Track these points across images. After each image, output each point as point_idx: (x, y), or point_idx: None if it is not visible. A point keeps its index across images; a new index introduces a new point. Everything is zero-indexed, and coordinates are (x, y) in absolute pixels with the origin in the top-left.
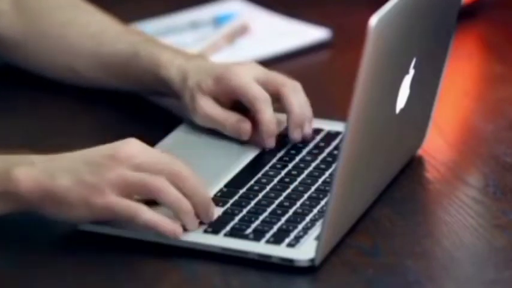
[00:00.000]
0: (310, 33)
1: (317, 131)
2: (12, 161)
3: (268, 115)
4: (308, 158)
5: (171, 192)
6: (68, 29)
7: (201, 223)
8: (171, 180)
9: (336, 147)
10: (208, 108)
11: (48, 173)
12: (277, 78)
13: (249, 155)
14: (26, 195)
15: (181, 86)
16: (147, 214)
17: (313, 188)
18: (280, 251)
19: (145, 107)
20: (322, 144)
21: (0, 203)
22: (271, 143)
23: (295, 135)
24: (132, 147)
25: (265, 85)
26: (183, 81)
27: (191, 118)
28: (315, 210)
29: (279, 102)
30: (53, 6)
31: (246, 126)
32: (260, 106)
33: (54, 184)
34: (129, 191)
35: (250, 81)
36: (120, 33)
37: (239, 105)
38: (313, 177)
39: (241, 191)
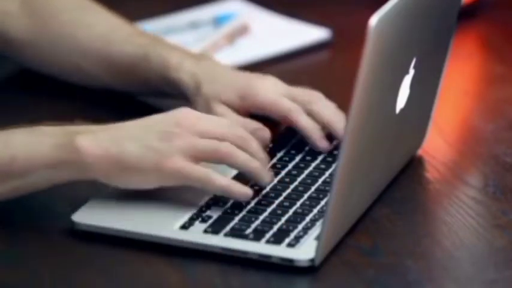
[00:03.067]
0: (310, 33)
1: None
2: (73, 130)
3: (307, 121)
4: (308, 158)
5: (239, 155)
6: (77, 29)
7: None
8: (236, 144)
9: (336, 147)
10: (226, 116)
11: (114, 141)
12: (301, 93)
13: None
14: (93, 164)
15: (194, 92)
16: (219, 178)
17: (313, 188)
18: (280, 251)
19: (145, 107)
20: None
21: (64, 172)
22: (324, 145)
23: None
24: (190, 114)
25: (292, 101)
26: (195, 87)
27: None
28: (315, 210)
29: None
30: (62, 6)
31: (266, 133)
32: (296, 116)
33: (123, 151)
34: (199, 157)
35: (280, 97)
36: (129, 35)
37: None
38: (313, 177)
39: None
